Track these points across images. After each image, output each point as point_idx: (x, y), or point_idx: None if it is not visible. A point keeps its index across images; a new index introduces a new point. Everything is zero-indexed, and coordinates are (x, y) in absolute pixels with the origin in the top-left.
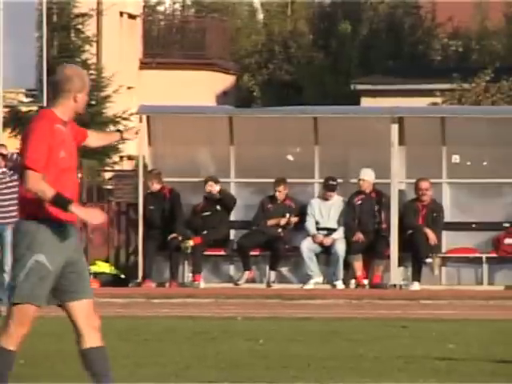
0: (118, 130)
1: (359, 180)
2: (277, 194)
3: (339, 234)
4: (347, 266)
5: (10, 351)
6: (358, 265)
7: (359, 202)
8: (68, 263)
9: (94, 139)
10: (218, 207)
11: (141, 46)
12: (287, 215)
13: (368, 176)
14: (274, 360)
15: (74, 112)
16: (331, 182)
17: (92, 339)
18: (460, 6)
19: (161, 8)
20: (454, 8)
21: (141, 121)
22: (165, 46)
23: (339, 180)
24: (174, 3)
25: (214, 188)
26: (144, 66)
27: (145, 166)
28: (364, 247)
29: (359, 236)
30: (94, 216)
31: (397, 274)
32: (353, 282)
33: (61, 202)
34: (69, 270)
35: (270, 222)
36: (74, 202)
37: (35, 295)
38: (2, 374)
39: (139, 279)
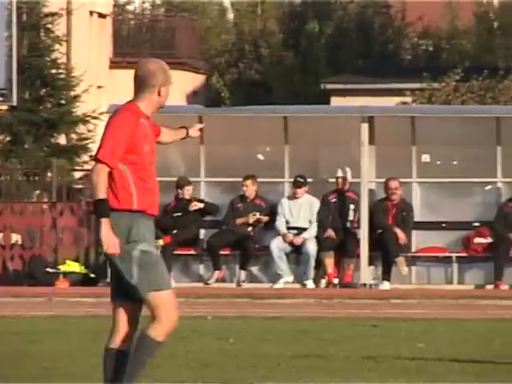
0: (183, 127)
1: (338, 178)
2: (244, 188)
3: (310, 234)
4: (318, 265)
5: (160, 342)
6: (329, 262)
7: (334, 199)
8: None
9: (166, 136)
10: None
11: (111, 45)
12: (256, 213)
13: (349, 174)
14: (244, 359)
15: (158, 106)
16: (298, 179)
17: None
18: (430, 6)
19: (130, 7)
20: (423, 7)
21: None
22: (135, 46)
23: (309, 179)
24: (144, 2)
25: (192, 198)
26: (114, 65)
27: None
28: (336, 245)
29: (330, 233)
30: (111, 243)
31: (367, 273)
32: (323, 281)
33: (101, 208)
34: None
35: (239, 221)
36: (107, 219)
37: (159, 281)
38: (144, 362)
39: (109, 279)
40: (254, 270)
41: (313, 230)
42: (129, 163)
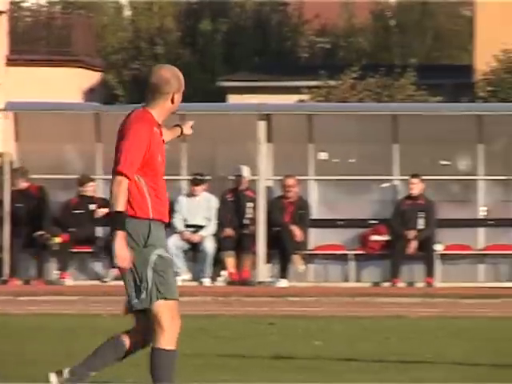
0: (177, 125)
1: (238, 176)
2: None
3: (207, 231)
4: (215, 263)
5: (173, 351)
6: (229, 261)
7: (231, 198)
8: None
9: (165, 136)
10: (92, 206)
11: (7, 43)
12: None
13: (247, 173)
14: (141, 357)
15: (170, 113)
16: (196, 177)
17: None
18: (327, 4)
19: (27, 4)
20: (320, 5)
21: (7, 118)
22: (31, 43)
23: (207, 177)
24: None
25: (95, 198)
26: (10, 62)
27: (11, 163)
28: (235, 244)
29: (229, 232)
30: (124, 257)
31: (264, 271)
32: (220, 279)
33: (117, 220)
34: None
35: None
36: (123, 232)
37: (170, 289)
38: (168, 374)
39: (5, 277)
40: None
41: (210, 228)
42: (143, 174)
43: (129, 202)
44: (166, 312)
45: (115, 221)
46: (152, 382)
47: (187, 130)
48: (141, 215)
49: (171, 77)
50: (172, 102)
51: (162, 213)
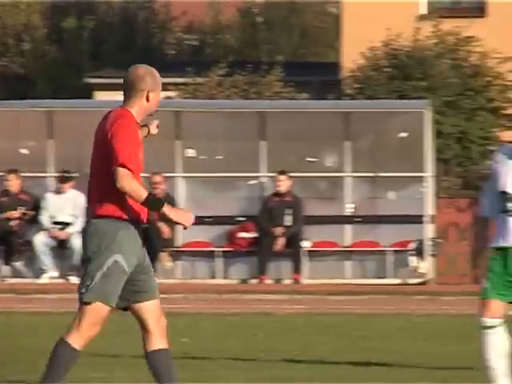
0: (145, 125)
1: None
2: (8, 183)
3: (74, 229)
4: None
5: (76, 350)
6: None
7: None
8: (139, 263)
9: None
10: None
11: None
12: (20, 209)
13: None
14: (6, 354)
15: (147, 113)
16: (63, 175)
17: (161, 341)
18: (194, 2)
19: None
20: (188, 3)
21: None
22: None
23: (75, 174)
24: None
25: None
26: None
27: None
28: None
29: None
30: (186, 218)
31: None
32: None
33: (154, 202)
34: (140, 269)
35: (3, 216)
36: (166, 206)
37: (110, 295)
38: (59, 372)
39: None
40: (18, 264)
41: (78, 225)
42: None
43: (105, 200)
44: (92, 316)
45: (153, 205)
46: (44, 373)
47: (153, 130)
48: (110, 214)
49: (145, 74)
50: (147, 100)
51: (139, 211)
